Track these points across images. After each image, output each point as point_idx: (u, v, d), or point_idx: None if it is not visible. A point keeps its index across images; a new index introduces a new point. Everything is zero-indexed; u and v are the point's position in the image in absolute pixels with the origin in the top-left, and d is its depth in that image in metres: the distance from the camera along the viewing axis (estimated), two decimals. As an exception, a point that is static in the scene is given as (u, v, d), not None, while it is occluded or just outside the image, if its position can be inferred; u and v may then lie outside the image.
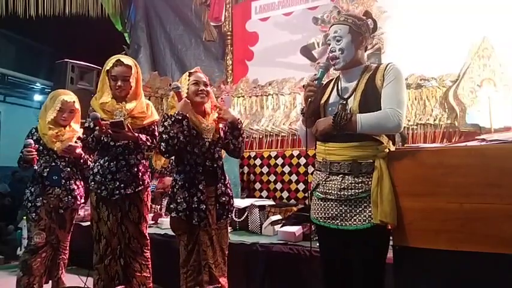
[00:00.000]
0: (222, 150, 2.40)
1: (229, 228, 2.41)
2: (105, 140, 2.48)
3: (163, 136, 2.17)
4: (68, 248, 3.01)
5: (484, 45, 3.27)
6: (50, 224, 2.85)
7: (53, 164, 2.85)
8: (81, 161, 2.91)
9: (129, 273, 2.58)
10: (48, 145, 2.83)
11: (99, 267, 2.54)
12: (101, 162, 2.52)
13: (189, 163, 2.26)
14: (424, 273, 1.70)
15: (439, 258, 1.65)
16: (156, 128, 2.64)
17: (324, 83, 1.95)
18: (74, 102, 2.87)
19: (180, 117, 2.16)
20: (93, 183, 2.53)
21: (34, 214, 2.81)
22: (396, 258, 1.77)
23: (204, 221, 2.24)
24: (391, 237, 1.79)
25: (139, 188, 2.56)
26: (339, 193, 1.76)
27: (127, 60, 2.51)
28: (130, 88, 2.53)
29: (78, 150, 2.81)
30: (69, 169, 2.88)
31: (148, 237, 2.66)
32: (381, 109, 1.74)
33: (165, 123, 2.20)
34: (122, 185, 2.49)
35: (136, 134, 2.49)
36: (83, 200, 3.01)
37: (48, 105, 2.87)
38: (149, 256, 2.66)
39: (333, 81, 1.97)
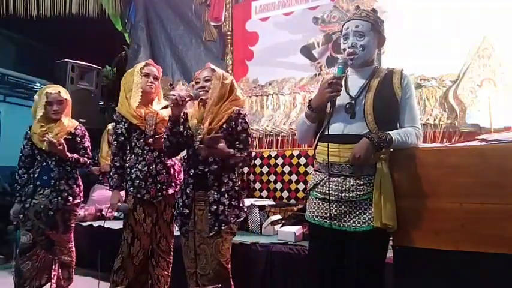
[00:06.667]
0: None
1: (230, 237, 2.22)
2: None
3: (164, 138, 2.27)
4: (69, 249, 2.90)
5: (484, 45, 3.26)
6: (38, 224, 2.74)
7: (44, 164, 2.77)
8: (70, 160, 2.76)
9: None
10: (38, 145, 2.75)
11: None
12: None
13: (186, 165, 2.27)
14: (424, 273, 1.70)
15: (439, 258, 1.65)
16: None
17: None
18: (59, 92, 2.79)
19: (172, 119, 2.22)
20: None
21: (21, 215, 2.74)
22: (396, 258, 1.77)
23: (185, 227, 2.18)
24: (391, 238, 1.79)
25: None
26: (339, 195, 1.74)
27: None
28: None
29: (61, 147, 2.67)
30: (60, 169, 2.78)
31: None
32: (395, 117, 1.77)
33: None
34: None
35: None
36: (78, 200, 2.88)
37: (37, 103, 2.82)
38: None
39: None
